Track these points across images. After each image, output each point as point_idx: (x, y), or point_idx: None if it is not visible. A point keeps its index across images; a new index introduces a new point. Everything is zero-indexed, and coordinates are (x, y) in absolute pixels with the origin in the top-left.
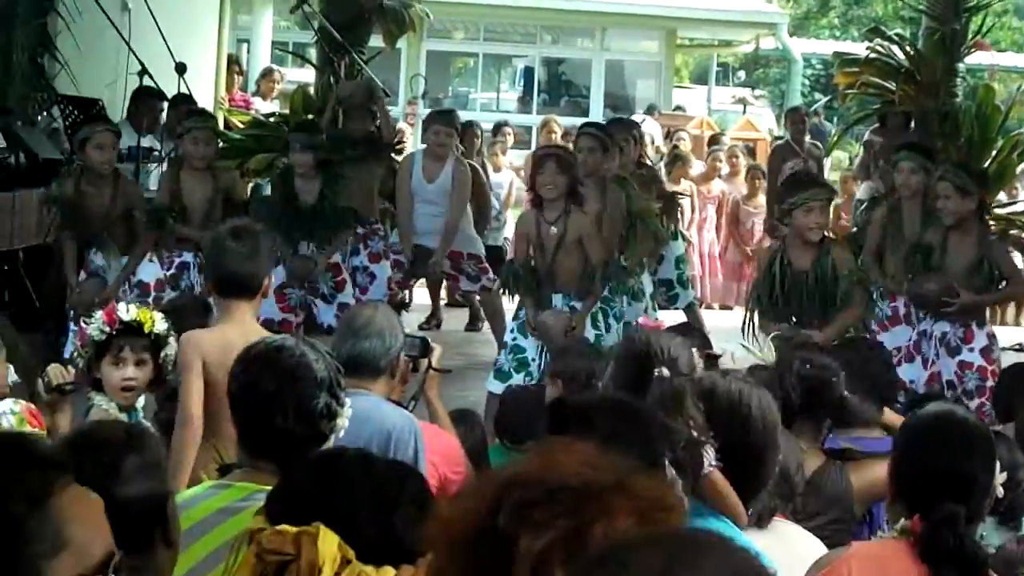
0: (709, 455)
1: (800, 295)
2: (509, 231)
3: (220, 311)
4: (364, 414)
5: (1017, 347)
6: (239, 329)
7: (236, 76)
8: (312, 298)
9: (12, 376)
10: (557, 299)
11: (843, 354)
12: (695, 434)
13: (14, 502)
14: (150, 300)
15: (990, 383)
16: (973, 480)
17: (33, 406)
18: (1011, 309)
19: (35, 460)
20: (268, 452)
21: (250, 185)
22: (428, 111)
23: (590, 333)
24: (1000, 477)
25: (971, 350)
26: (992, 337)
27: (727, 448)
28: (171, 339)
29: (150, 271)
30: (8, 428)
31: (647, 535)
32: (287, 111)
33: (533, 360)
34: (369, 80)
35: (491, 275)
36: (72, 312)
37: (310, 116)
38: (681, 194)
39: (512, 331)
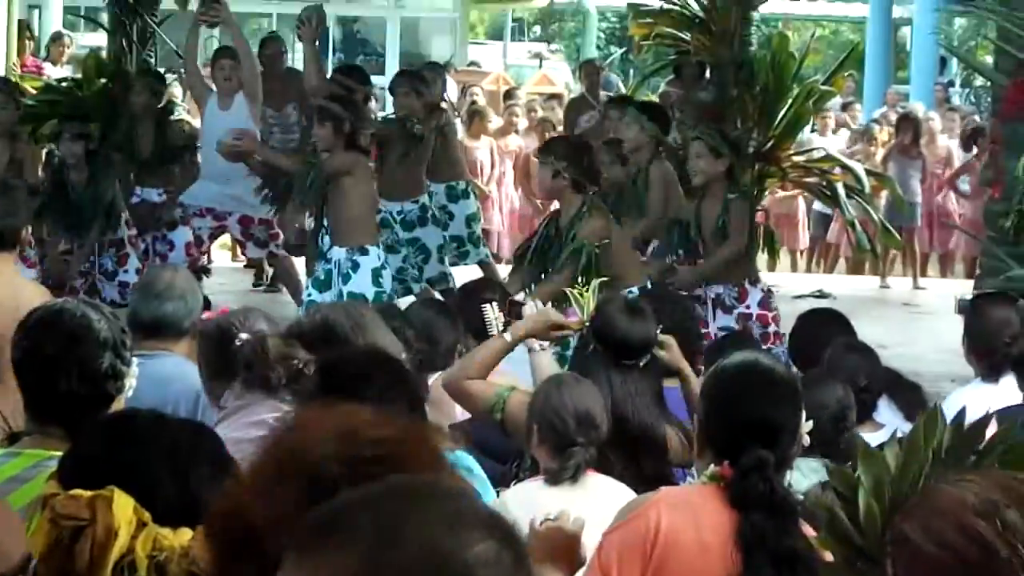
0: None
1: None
2: None
3: None
4: (169, 375)
5: (817, 294)
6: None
7: (27, 42)
8: (96, 274)
9: None
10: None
11: (650, 303)
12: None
13: None
14: None
15: (773, 328)
16: (781, 427)
17: None
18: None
19: None
20: (55, 417)
21: (44, 151)
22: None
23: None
24: (807, 425)
25: (747, 307)
26: (767, 291)
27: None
28: None
29: None
30: None
31: (363, 493)
32: (79, 76)
33: None
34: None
35: (279, 241)
36: None
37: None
38: None
39: (308, 288)
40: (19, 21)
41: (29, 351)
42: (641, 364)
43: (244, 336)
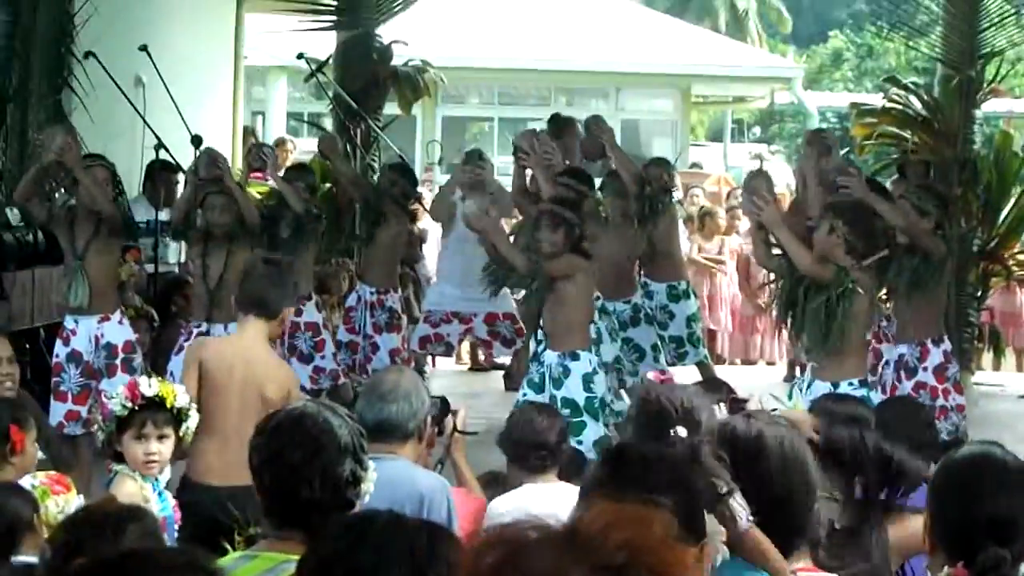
0: (743, 509)
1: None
2: None
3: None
4: (395, 478)
5: None
6: (244, 344)
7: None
8: (289, 356)
9: (39, 454)
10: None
11: (887, 411)
12: (721, 489)
13: None
14: (117, 362)
15: (941, 402)
16: (1016, 523)
17: (55, 473)
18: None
19: None
20: (295, 522)
21: None
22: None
23: (578, 392)
24: None
25: (925, 369)
26: (948, 355)
27: (752, 495)
28: (192, 412)
29: (118, 333)
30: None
31: None
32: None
33: None
34: None
35: (524, 338)
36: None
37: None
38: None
39: (524, 388)
40: (244, 127)
41: (271, 458)
42: None
43: (680, 432)
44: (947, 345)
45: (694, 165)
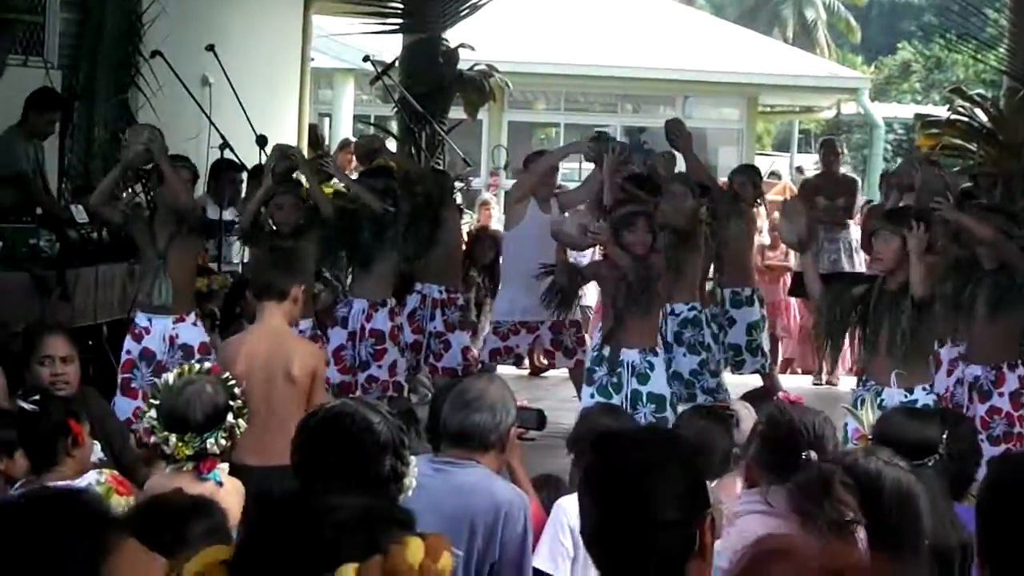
0: (861, 538)
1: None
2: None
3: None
4: (473, 487)
5: None
6: (263, 329)
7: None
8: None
9: (98, 452)
10: (631, 354)
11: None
12: (849, 515)
13: (70, 561)
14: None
15: (1018, 429)
16: None
17: (118, 474)
18: None
19: (91, 519)
20: None
21: None
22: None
23: (663, 387)
24: None
25: (1001, 395)
26: (1023, 380)
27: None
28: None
29: (194, 334)
30: None
31: None
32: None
33: None
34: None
35: (586, 348)
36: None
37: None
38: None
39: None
40: (310, 126)
41: (310, 456)
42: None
43: (812, 455)
44: (1022, 370)
45: (772, 174)
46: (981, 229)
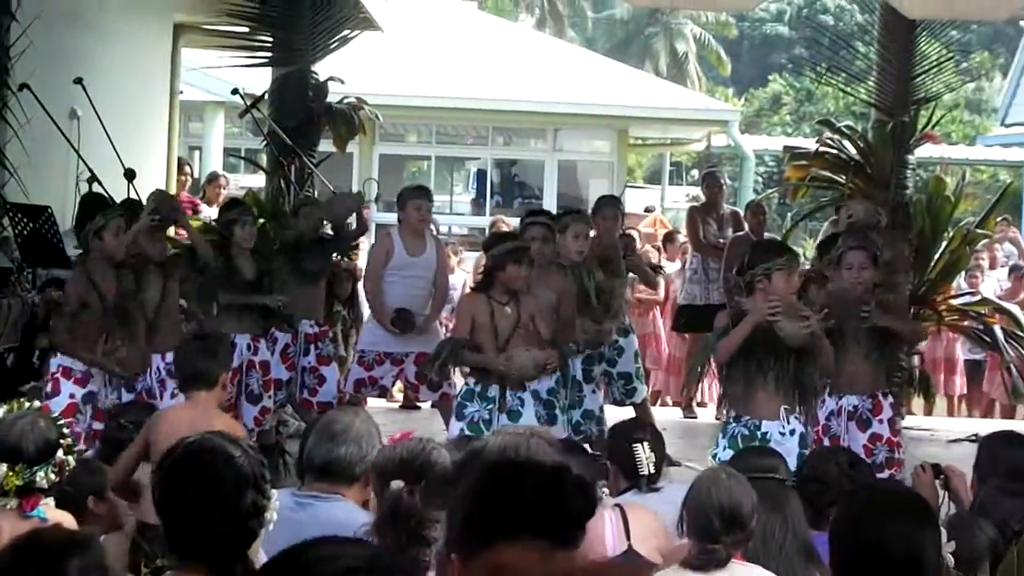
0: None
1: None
2: None
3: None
4: (338, 521)
5: (972, 438)
6: (193, 413)
7: (185, 179)
8: (239, 396)
9: None
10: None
11: None
12: None
13: None
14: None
15: (898, 455)
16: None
17: None
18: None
19: None
20: (199, 555)
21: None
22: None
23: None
24: (948, 546)
25: (880, 421)
26: (896, 407)
27: None
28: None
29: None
30: None
31: None
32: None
33: None
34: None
35: (452, 380)
36: None
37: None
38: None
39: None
40: (179, 159)
41: (171, 492)
42: None
43: None
44: (891, 398)
45: (648, 208)
46: (901, 326)
